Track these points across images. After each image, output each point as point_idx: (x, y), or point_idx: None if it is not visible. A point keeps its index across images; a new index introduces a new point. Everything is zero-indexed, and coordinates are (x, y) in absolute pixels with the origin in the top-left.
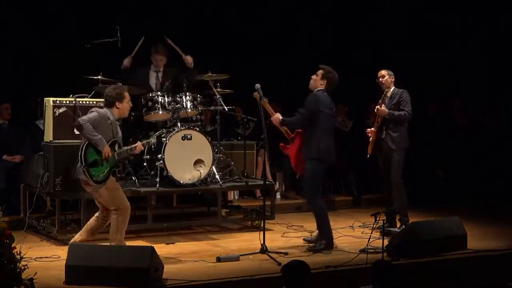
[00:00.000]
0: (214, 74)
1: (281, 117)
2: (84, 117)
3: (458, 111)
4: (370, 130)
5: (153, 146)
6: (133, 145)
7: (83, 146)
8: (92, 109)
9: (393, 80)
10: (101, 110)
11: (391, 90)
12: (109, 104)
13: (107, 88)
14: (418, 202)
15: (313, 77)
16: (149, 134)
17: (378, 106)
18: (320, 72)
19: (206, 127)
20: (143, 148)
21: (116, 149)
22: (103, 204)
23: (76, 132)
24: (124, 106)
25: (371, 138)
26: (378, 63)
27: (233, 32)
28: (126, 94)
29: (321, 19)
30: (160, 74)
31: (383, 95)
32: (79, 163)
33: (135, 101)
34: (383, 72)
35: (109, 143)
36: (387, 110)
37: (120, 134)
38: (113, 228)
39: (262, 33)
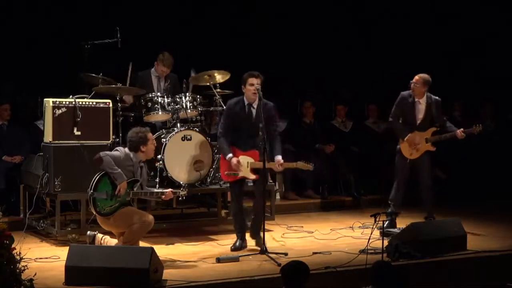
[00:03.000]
0: (216, 73)
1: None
2: (107, 152)
3: (459, 112)
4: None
5: (180, 198)
6: (160, 190)
7: (98, 174)
8: (117, 148)
9: (425, 90)
10: (126, 151)
11: (424, 97)
12: (134, 148)
13: (129, 132)
14: (419, 202)
15: (259, 87)
16: (181, 184)
17: (461, 133)
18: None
19: (211, 129)
20: (172, 196)
21: (134, 189)
22: (118, 230)
23: (76, 133)
24: (149, 148)
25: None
26: (379, 64)
27: (233, 32)
28: (150, 135)
29: (322, 18)
30: (161, 80)
31: (416, 104)
32: (89, 188)
33: (135, 102)
34: (416, 79)
35: (128, 180)
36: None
37: (145, 176)
38: (127, 232)
39: (261, 32)
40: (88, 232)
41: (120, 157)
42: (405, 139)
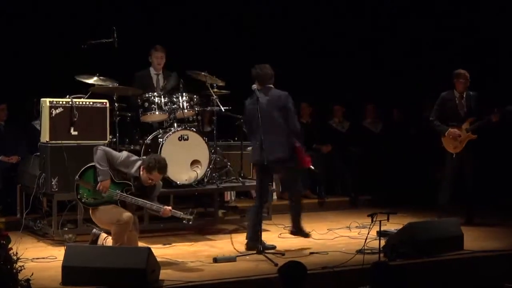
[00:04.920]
0: (214, 77)
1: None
2: (107, 148)
3: None
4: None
5: (185, 221)
6: (158, 205)
7: (90, 164)
8: (124, 151)
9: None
10: (131, 158)
11: (465, 92)
12: (142, 162)
13: (156, 155)
14: (416, 203)
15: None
16: (189, 211)
17: (495, 115)
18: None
19: (204, 127)
20: (169, 214)
21: (126, 193)
22: (101, 226)
23: (73, 133)
24: (144, 177)
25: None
26: (376, 65)
27: (229, 32)
28: (155, 175)
29: (318, 18)
30: (160, 77)
31: (457, 97)
32: (77, 175)
33: (133, 102)
34: (466, 75)
35: (121, 181)
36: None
37: (154, 193)
38: (111, 235)
39: (259, 33)
40: (94, 230)
41: (118, 159)
42: (446, 133)
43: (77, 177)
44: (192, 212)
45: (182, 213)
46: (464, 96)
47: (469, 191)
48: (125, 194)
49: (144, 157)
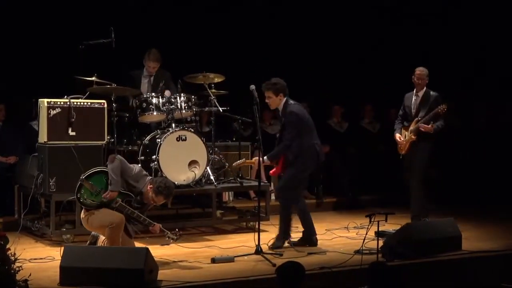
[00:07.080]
0: (211, 75)
1: (265, 157)
2: (122, 159)
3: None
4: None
5: (171, 241)
6: (150, 220)
7: (101, 168)
8: (139, 166)
9: (426, 82)
10: (143, 173)
11: (423, 90)
12: (151, 181)
13: (167, 179)
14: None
15: (267, 101)
16: (175, 231)
17: (422, 124)
18: (269, 93)
19: (203, 128)
20: (158, 232)
21: (124, 203)
22: (92, 229)
23: (71, 133)
24: (148, 194)
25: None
26: (375, 65)
27: (228, 33)
28: (160, 197)
29: (318, 19)
30: (152, 79)
31: (414, 97)
32: (83, 174)
33: (131, 102)
34: (423, 71)
35: (125, 191)
36: (432, 128)
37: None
38: (106, 239)
39: (257, 33)
40: (93, 232)
41: (131, 171)
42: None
43: (83, 177)
44: (177, 234)
45: (169, 232)
46: (420, 96)
47: (411, 194)
48: (124, 204)
49: (154, 177)
